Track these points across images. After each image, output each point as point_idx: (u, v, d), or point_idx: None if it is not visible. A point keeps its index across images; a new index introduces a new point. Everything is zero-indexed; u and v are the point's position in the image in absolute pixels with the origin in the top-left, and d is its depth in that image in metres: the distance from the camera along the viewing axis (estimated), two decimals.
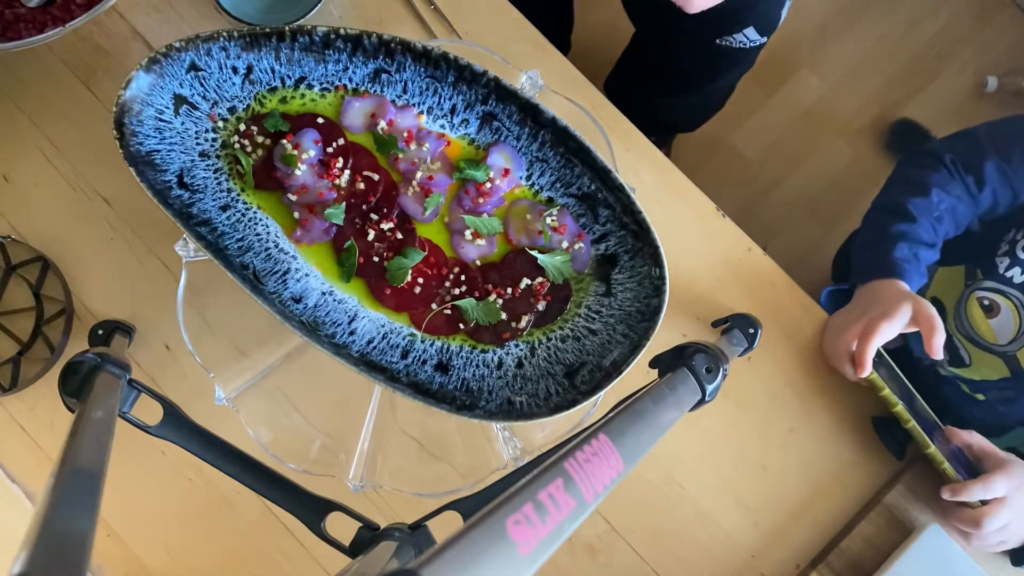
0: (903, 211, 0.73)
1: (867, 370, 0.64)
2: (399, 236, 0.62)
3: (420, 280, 0.62)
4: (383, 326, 0.62)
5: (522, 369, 0.61)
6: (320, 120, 0.62)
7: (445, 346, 0.62)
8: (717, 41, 0.87)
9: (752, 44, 0.89)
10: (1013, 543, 0.66)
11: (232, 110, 0.62)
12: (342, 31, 0.59)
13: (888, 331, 0.64)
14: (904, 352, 0.81)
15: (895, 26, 1.62)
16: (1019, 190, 0.74)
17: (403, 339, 0.61)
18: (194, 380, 0.71)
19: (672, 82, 1.09)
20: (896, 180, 0.81)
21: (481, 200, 0.62)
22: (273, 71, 0.61)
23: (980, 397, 0.78)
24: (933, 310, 0.65)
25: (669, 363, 0.50)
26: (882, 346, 0.66)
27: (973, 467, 0.68)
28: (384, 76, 0.62)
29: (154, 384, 0.71)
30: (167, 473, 0.70)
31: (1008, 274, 0.72)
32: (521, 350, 0.61)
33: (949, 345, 0.76)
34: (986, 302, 0.74)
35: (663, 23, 0.94)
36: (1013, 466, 0.65)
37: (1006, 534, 0.65)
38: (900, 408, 0.66)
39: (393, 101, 0.63)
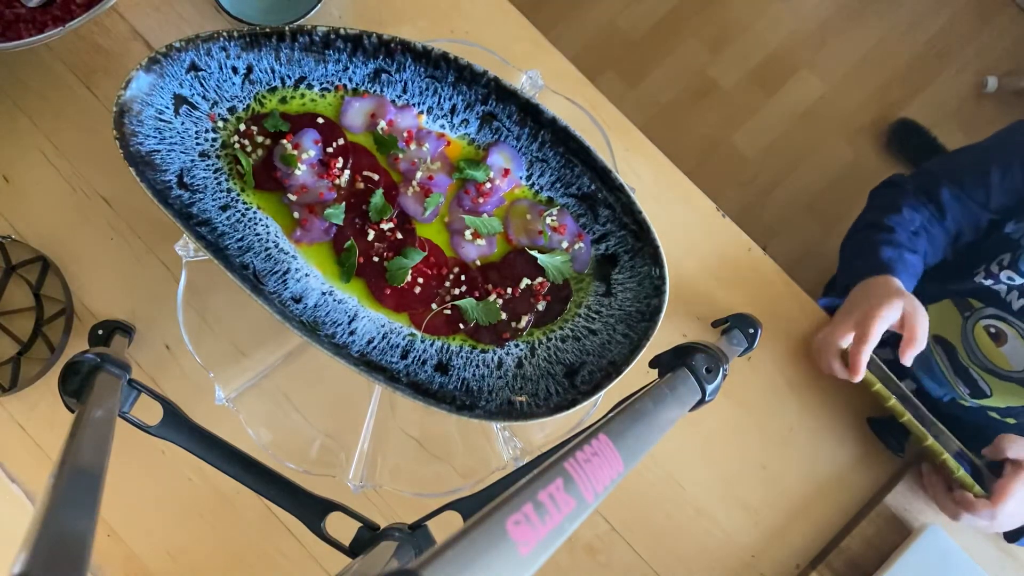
0: (881, 225, 0.76)
1: (861, 374, 0.64)
2: (399, 236, 0.62)
3: (420, 280, 0.62)
4: (383, 326, 0.62)
5: (522, 369, 0.61)
6: (320, 120, 0.62)
7: (445, 346, 0.62)
8: None
9: None
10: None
11: (232, 110, 0.62)
12: (342, 31, 0.59)
13: (881, 328, 0.64)
14: (921, 394, 0.81)
15: (895, 26, 1.62)
16: (978, 215, 0.76)
17: (403, 339, 0.61)
18: (194, 380, 0.71)
19: None
20: (868, 208, 0.84)
21: (481, 200, 0.62)
22: (273, 71, 0.61)
23: (1011, 421, 0.78)
24: (922, 319, 0.65)
25: (669, 363, 0.50)
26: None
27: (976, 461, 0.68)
28: (384, 76, 0.62)
29: (154, 384, 0.71)
30: (167, 473, 0.70)
31: (1007, 299, 0.73)
32: (521, 350, 0.61)
33: (967, 378, 0.77)
34: (992, 330, 0.73)
35: None
36: None
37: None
38: (894, 403, 0.66)
39: (393, 101, 0.63)
